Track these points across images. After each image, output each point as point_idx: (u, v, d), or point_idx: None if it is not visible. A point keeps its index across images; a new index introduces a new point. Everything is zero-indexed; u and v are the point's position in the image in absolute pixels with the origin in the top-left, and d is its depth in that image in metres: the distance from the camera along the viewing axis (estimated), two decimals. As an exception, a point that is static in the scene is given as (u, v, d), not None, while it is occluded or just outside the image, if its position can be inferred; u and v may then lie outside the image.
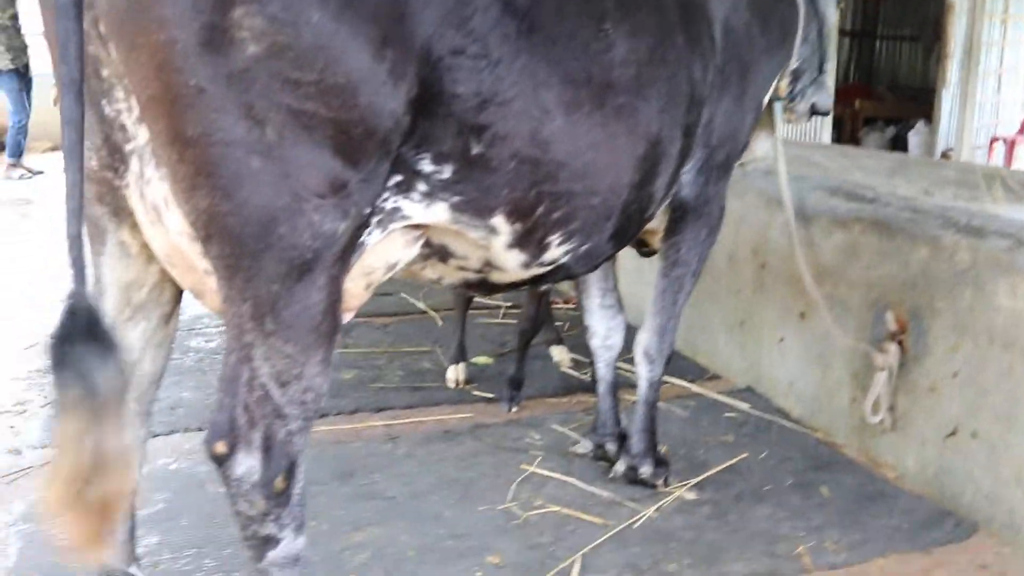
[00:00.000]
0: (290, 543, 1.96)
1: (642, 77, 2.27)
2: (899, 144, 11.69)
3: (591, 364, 4.17)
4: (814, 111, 3.24)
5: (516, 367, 3.88)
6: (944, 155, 10.74)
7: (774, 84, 3.08)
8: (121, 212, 1.95)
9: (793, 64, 3.11)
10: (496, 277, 2.36)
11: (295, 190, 1.72)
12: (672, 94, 2.39)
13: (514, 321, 4.94)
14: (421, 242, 2.18)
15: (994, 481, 2.81)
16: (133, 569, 2.24)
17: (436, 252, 2.26)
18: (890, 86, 13.79)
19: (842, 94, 11.36)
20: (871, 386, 3.17)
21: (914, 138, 11.73)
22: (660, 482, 3.09)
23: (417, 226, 2.10)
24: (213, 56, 1.62)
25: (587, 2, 2.17)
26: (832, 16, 3.26)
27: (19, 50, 9.74)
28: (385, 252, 2.08)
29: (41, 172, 10.29)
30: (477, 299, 4.60)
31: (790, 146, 4.24)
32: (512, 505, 3.02)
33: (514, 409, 3.81)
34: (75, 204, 1.64)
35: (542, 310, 3.93)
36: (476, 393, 3.98)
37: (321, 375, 1.89)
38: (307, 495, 3.06)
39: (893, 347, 3.11)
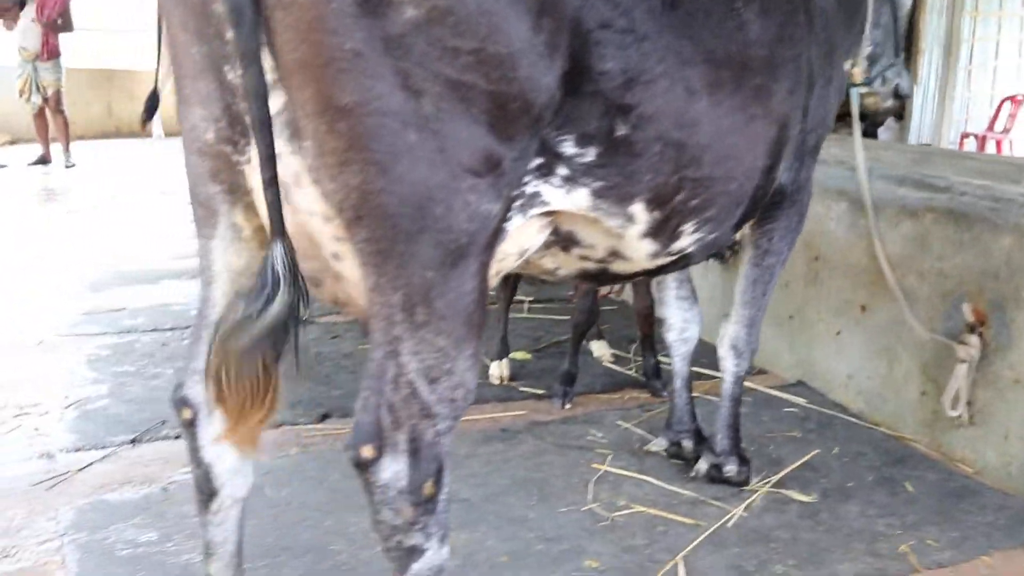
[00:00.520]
0: (435, 553, 1.81)
1: (774, 57, 2.18)
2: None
3: (634, 358, 4.12)
4: (897, 94, 3.19)
5: (569, 362, 3.77)
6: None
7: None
8: (237, 191, 1.79)
9: (867, 49, 3.05)
10: (618, 267, 2.26)
11: (451, 167, 1.60)
12: (797, 75, 2.32)
13: (542, 316, 4.85)
14: (550, 229, 2.06)
15: (1091, 475, 2.78)
16: None
17: (561, 240, 2.14)
18: (858, 82, 13.91)
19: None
20: (951, 379, 3.12)
21: (884, 134, 11.87)
22: (744, 480, 3.01)
23: (550, 212, 1.98)
24: (371, 18, 1.49)
25: None
26: (907, 1, 3.21)
27: None
28: (519, 239, 1.96)
29: (5, 166, 9.89)
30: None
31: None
32: (595, 506, 2.91)
33: (567, 406, 3.70)
34: (268, 175, 1.58)
35: (597, 304, 3.82)
36: (524, 389, 3.86)
37: (471, 370, 1.76)
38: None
39: (974, 339, 3.06)
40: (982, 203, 3.14)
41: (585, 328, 3.81)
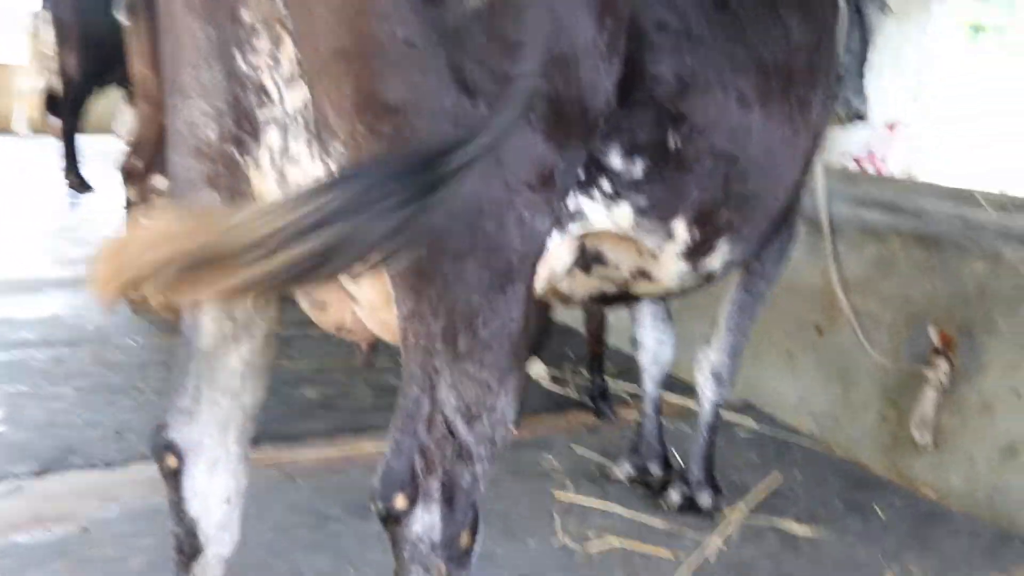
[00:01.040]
0: None
1: (812, 65, 2.05)
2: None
3: (573, 379, 3.96)
4: (857, 116, 3.14)
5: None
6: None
7: None
8: (237, 198, 1.53)
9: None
10: (640, 289, 2.08)
11: (506, 178, 1.40)
12: (828, 85, 2.20)
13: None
14: (578, 248, 1.87)
15: (1064, 500, 2.76)
16: None
17: (584, 260, 1.94)
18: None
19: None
20: (917, 404, 3.07)
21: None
22: (716, 509, 2.87)
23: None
24: (428, 5, 1.28)
25: None
26: (876, 22, 3.17)
27: None
28: (551, 260, 1.76)
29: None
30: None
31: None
32: (565, 539, 2.71)
33: (514, 431, 3.49)
34: None
35: (548, 323, 3.64)
36: (465, 412, 3.63)
37: (511, 406, 1.54)
38: (327, 535, 2.68)
39: (944, 363, 3.02)
40: (951, 227, 3.12)
41: (536, 348, 3.62)
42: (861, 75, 3.16)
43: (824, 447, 3.48)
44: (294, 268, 1.07)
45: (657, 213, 1.80)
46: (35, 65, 7.83)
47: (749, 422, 3.66)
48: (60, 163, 7.54)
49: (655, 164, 1.73)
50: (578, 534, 2.75)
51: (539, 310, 3.51)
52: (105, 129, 8.88)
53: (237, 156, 1.49)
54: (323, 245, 1.07)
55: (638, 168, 1.72)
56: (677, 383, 4.07)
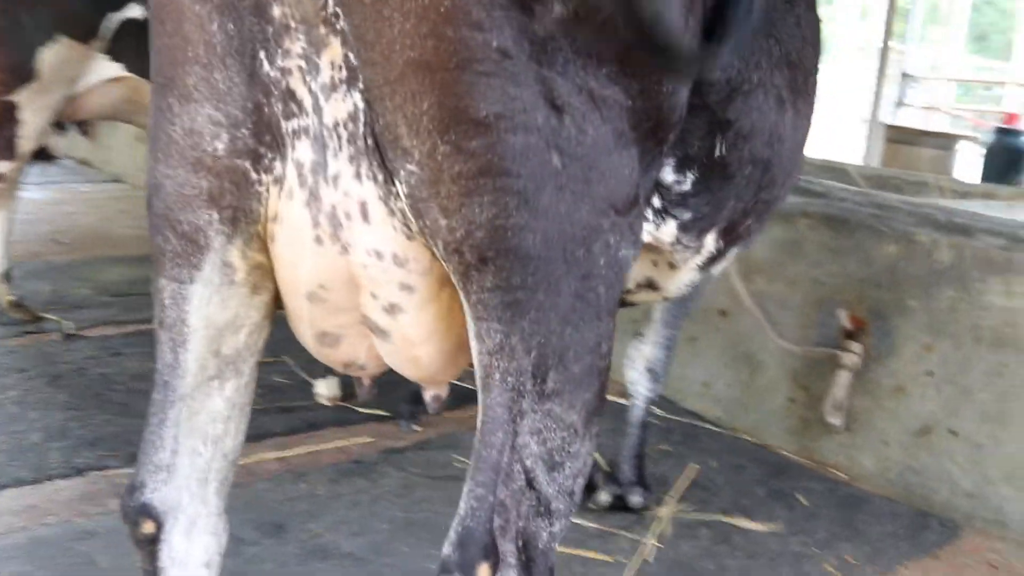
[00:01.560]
0: None
1: (816, 59, 1.93)
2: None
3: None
4: None
5: (417, 378, 3.34)
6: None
7: None
8: (241, 220, 1.30)
9: None
10: (638, 298, 1.95)
11: (594, 201, 1.24)
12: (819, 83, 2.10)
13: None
14: None
15: (978, 479, 2.82)
16: None
17: None
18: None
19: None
20: (831, 386, 3.07)
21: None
22: (645, 508, 2.77)
23: None
24: (520, 13, 1.11)
25: None
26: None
27: None
28: None
29: None
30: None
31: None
32: (497, 548, 2.54)
33: (417, 428, 3.28)
34: None
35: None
36: (361, 411, 3.38)
37: (591, 454, 1.35)
38: (246, 561, 2.38)
39: (858, 346, 3.03)
40: (863, 210, 3.13)
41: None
42: None
43: (732, 432, 3.45)
44: None
45: (698, 226, 1.68)
46: None
47: (654, 409, 3.58)
48: None
49: (703, 176, 1.60)
50: (509, 542, 2.58)
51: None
52: None
53: (252, 172, 1.25)
54: None
55: (688, 181, 1.59)
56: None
